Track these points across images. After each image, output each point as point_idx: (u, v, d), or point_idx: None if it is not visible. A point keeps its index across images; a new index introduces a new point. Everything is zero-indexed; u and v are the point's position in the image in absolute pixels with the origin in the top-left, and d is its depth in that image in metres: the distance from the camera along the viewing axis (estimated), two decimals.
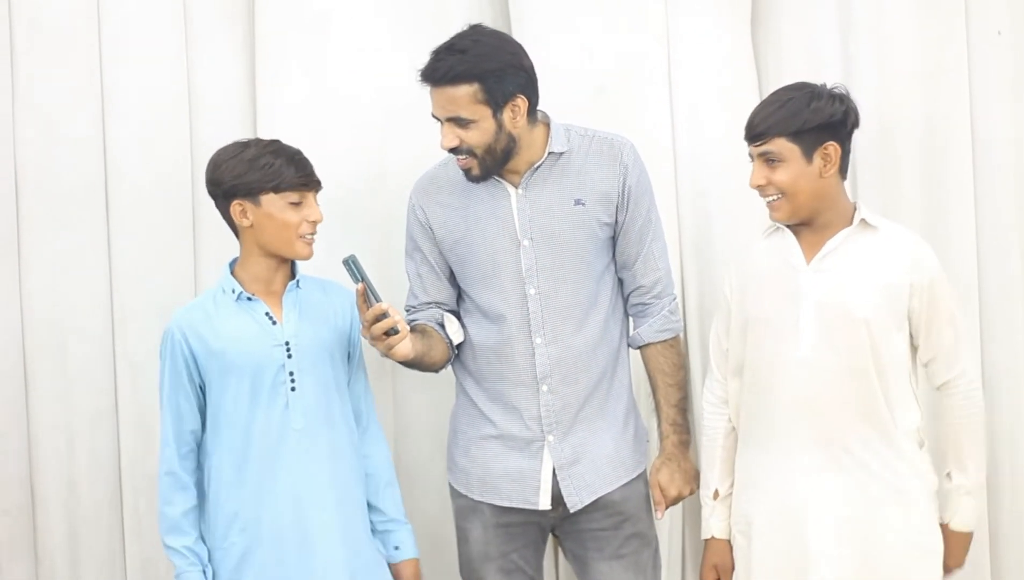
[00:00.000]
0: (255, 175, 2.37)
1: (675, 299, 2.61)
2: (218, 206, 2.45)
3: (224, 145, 2.45)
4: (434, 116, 2.41)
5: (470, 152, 2.39)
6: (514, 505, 2.48)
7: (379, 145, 2.94)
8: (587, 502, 2.47)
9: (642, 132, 2.87)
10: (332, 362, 2.48)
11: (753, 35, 3.05)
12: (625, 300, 2.59)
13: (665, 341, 2.57)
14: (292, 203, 2.39)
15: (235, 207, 2.40)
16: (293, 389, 2.41)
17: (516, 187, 2.46)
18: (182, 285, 2.92)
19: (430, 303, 2.56)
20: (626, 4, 2.99)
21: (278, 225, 2.39)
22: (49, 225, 2.87)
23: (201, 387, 2.43)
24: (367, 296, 2.27)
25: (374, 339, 2.28)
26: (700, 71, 3.00)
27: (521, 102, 2.39)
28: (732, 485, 2.52)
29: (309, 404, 2.42)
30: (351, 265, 2.29)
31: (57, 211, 2.87)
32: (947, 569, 2.43)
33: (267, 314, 2.43)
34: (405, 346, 2.31)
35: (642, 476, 2.57)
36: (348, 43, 2.93)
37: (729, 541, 2.51)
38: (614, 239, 2.53)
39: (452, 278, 2.57)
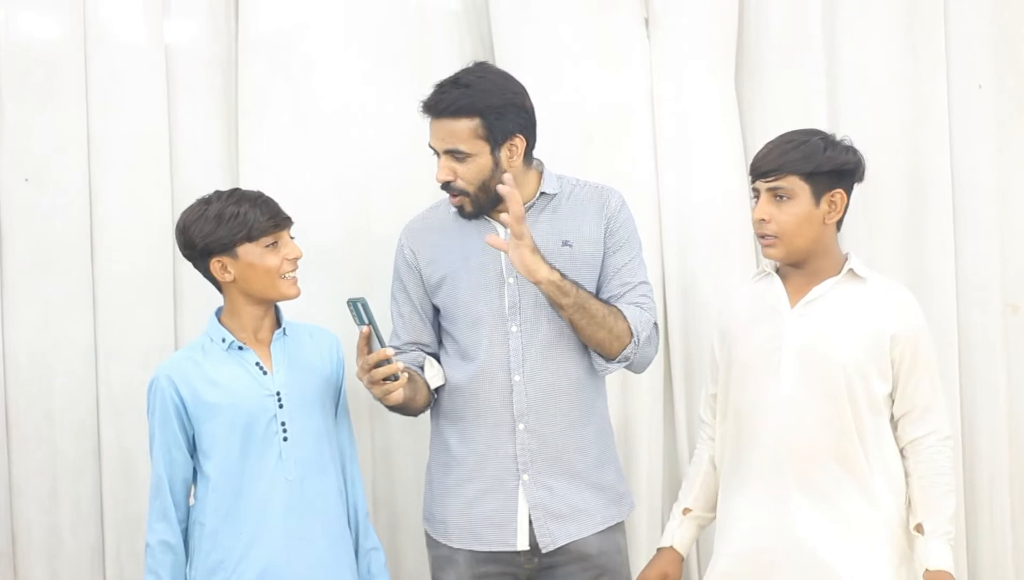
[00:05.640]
0: (225, 229, 2.36)
1: (653, 320, 2.51)
2: (197, 267, 2.44)
3: (187, 206, 2.44)
4: (431, 147, 2.42)
5: (463, 191, 2.41)
6: (492, 549, 2.46)
7: (362, 194, 2.94)
8: (560, 543, 2.45)
9: (627, 181, 2.88)
10: (322, 409, 2.48)
11: (738, 85, 3.08)
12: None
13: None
14: (268, 246, 2.39)
15: (214, 264, 2.40)
16: (285, 439, 2.40)
17: (506, 226, 2.44)
18: (164, 330, 2.91)
19: (412, 344, 2.55)
20: (611, 51, 3.01)
21: (260, 272, 2.39)
22: (34, 269, 2.86)
23: (191, 437, 2.42)
24: (371, 339, 2.26)
25: (372, 383, 2.27)
26: (685, 120, 3.01)
27: (519, 142, 2.40)
28: (704, 510, 2.58)
29: (302, 453, 2.41)
30: (359, 307, 2.25)
31: (42, 255, 2.86)
32: None
33: (257, 364, 2.43)
34: (399, 392, 2.30)
35: (620, 526, 2.56)
36: (332, 93, 2.94)
37: (684, 557, 2.56)
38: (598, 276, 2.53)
39: (435, 321, 2.57)
